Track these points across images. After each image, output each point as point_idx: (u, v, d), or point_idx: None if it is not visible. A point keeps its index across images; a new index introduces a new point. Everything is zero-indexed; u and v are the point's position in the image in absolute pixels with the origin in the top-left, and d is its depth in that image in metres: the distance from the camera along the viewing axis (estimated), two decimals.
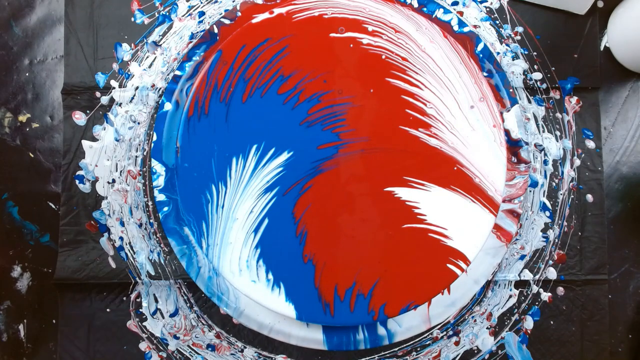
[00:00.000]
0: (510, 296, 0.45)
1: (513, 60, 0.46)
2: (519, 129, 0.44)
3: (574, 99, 0.46)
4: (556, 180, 0.45)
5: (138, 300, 0.45)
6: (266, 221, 0.41)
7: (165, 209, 0.43)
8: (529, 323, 0.45)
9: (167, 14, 0.46)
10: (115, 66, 0.46)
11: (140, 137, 0.46)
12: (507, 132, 0.43)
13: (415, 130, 0.42)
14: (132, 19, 0.46)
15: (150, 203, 0.45)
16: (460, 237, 0.41)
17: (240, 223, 0.41)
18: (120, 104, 0.46)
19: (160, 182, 0.43)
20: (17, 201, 0.47)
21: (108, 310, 0.45)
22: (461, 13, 0.46)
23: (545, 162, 0.45)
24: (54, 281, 0.45)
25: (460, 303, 0.43)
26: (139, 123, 0.46)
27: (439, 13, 0.45)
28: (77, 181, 0.46)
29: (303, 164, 0.41)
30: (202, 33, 0.45)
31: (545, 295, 0.45)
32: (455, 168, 0.41)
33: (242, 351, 0.45)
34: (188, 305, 0.45)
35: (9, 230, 0.46)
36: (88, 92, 0.46)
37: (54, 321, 0.46)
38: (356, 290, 0.40)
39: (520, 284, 0.45)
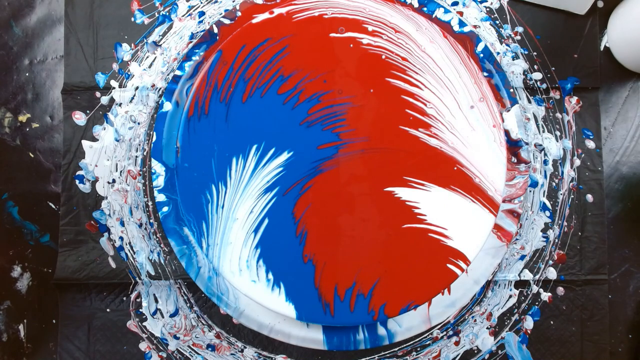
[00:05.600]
0: (510, 296, 0.45)
1: (513, 60, 0.46)
2: (519, 129, 0.44)
3: (574, 99, 0.46)
4: (556, 180, 0.45)
5: (138, 300, 0.45)
6: (266, 221, 0.41)
7: (165, 209, 0.43)
8: (529, 323, 0.45)
9: (167, 14, 0.46)
10: (115, 66, 0.46)
11: (140, 137, 0.46)
12: (507, 132, 0.43)
13: (415, 130, 0.42)
14: (132, 19, 0.46)
15: (150, 203, 0.45)
16: (460, 237, 0.41)
17: (240, 223, 0.41)
18: (120, 104, 0.46)
19: (160, 182, 0.43)
20: (17, 201, 0.47)
21: (108, 310, 0.45)
22: (461, 13, 0.46)
23: (545, 162, 0.45)
24: (54, 281, 0.45)
25: (460, 303, 0.43)
26: (139, 123, 0.46)
27: (439, 13, 0.45)
28: (77, 181, 0.46)
29: (303, 164, 0.41)
30: (202, 33, 0.45)
31: (545, 295, 0.45)
32: (455, 168, 0.41)
33: (242, 351, 0.45)
34: (188, 305, 0.45)
35: (9, 230, 0.46)
36: (88, 92, 0.46)
37: (54, 321, 0.46)
38: (356, 290, 0.40)
39: (520, 284, 0.45)
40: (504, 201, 0.43)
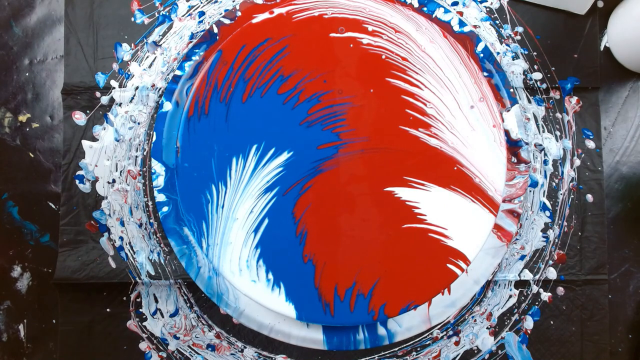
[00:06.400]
0: (510, 296, 0.45)
1: (513, 60, 0.46)
2: (519, 129, 0.44)
3: (574, 99, 0.46)
4: (556, 180, 0.45)
5: (138, 300, 0.45)
6: (266, 221, 0.41)
7: (165, 209, 0.43)
8: (529, 323, 0.45)
9: (167, 14, 0.46)
10: (115, 66, 0.46)
11: (140, 137, 0.46)
12: (507, 132, 0.43)
13: (415, 130, 0.42)
14: (132, 19, 0.46)
15: (150, 203, 0.45)
16: (460, 237, 0.41)
17: (240, 223, 0.41)
18: (120, 104, 0.46)
19: (160, 182, 0.43)
20: (17, 201, 0.47)
21: (108, 310, 0.45)
22: (461, 13, 0.46)
23: (545, 162, 0.45)
24: (54, 281, 0.45)
25: (460, 303, 0.43)
26: (139, 123, 0.46)
27: (439, 13, 0.45)
28: (77, 181, 0.46)
29: (303, 164, 0.41)
30: (202, 33, 0.45)
31: (545, 295, 0.45)
32: (455, 168, 0.41)
33: (242, 351, 0.45)
34: (188, 305, 0.45)
35: (9, 230, 0.46)
36: (88, 92, 0.46)
37: (54, 321, 0.46)
38: (356, 290, 0.40)
39: (520, 284, 0.45)
40: (504, 201, 0.43)
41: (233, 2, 0.46)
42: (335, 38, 0.42)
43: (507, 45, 0.46)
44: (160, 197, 0.43)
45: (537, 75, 0.46)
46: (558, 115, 0.46)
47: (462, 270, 0.40)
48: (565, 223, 0.45)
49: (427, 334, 0.45)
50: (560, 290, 0.45)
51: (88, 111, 0.46)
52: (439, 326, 0.45)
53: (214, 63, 0.42)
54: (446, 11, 0.45)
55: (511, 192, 0.44)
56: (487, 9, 0.46)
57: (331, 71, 0.42)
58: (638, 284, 0.45)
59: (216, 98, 0.42)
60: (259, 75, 0.42)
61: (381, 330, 0.43)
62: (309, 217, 0.41)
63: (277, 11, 0.43)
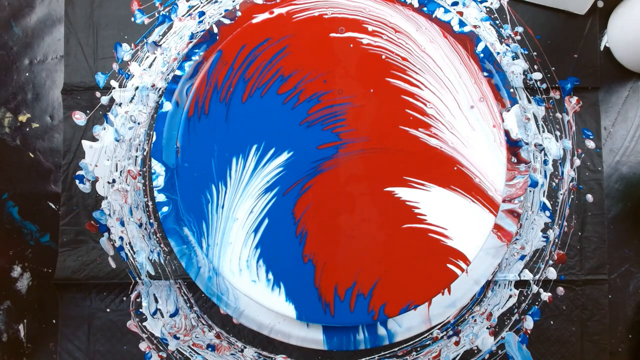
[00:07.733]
0: (510, 296, 0.45)
1: (513, 60, 0.46)
2: (519, 129, 0.44)
3: (574, 99, 0.46)
4: (556, 180, 0.45)
5: (138, 300, 0.45)
6: (266, 221, 0.41)
7: (165, 209, 0.43)
8: (529, 323, 0.45)
9: (167, 14, 0.46)
10: (115, 66, 0.46)
11: (140, 137, 0.46)
12: (507, 132, 0.43)
13: (415, 130, 0.42)
14: (132, 19, 0.46)
15: (150, 203, 0.45)
16: (460, 237, 0.41)
17: (240, 223, 0.41)
18: (120, 104, 0.46)
19: (160, 182, 0.43)
20: (17, 201, 0.47)
21: (108, 310, 0.45)
22: (461, 13, 0.46)
23: (545, 162, 0.45)
24: (54, 281, 0.45)
25: (461, 303, 0.43)
26: (139, 123, 0.46)
27: (439, 13, 0.45)
28: (77, 181, 0.46)
29: (303, 164, 0.41)
30: (202, 33, 0.45)
31: (545, 295, 0.45)
32: (455, 168, 0.41)
33: (242, 351, 0.45)
34: (188, 305, 0.45)
35: (9, 230, 0.46)
36: (88, 92, 0.46)
37: (54, 321, 0.46)
38: (356, 290, 0.40)
39: (520, 284, 0.45)
40: (504, 201, 0.43)
41: (233, 2, 0.46)
42: (335, 38, 0.42)
43: (507, 45, 0.46)
44: (160, 197, 0.43)
45: (537, 75, 0.46)
46: (558, 115, 0.46)
47: (462, 270, 0.40)
48: (565, 223, 0.45)
49: (427, 334, 0.45)
50: (560, 290, 0.45)
51: (88, 111, 0.46)
52: (439, 326, 0.45)
53: (214, 63, 0.42)
54: (446, 11, 0.45)
55: (511, 192, 0.44)
56: (487, 9, 0.46)
57: (331, 71, 0.42)
58: (638, 284, 0.45)
59: (216, 98, 0.42)
60: (259, 75, 0.42)
61: (381, 330, 0.43)
62: (309, 217, 0.41)
63: (277, 11, 0.43)
